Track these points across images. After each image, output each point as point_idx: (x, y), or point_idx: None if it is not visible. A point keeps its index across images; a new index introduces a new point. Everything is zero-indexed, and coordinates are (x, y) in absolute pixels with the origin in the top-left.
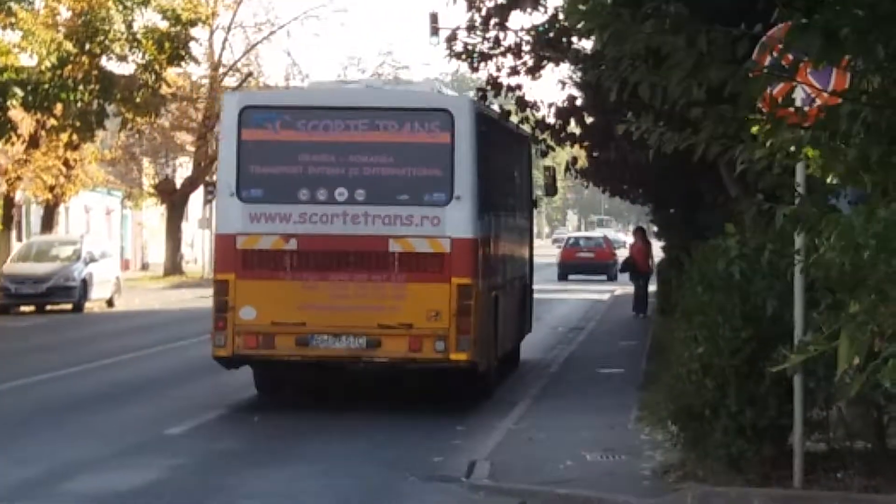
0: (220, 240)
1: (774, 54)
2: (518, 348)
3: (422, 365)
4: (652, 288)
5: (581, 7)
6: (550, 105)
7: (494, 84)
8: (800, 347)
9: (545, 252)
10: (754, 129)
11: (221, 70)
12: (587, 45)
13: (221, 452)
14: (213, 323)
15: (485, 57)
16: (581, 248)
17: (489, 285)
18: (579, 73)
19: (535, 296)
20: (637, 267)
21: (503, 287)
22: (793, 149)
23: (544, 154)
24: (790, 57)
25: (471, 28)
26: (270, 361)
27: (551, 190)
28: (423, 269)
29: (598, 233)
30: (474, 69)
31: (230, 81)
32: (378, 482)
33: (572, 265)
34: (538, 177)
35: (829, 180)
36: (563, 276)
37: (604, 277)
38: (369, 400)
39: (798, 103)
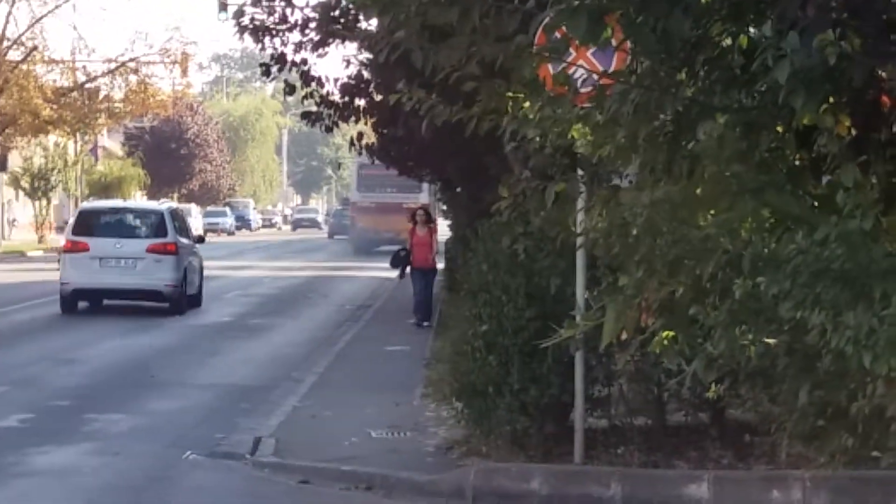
0: (353, 202)
1: (557, 35)
2: None
3: None
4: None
5: None
6: (336, 80)
7: (279, 59)
8: (571, 323)
9: None
10: (526, 107)
11: (6, 44)
12: (373, 22)
13: (2, 430)
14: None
15: (270, 31)
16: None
17: None
18: (365, 52)
19: (325, 273)
20: (414, 262)
21: None
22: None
23: (329, 130)
24: (565, 29)
25: (257, 2)
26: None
27: None
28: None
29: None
30: (261, 44)
31: (14, 55)
32: (159, 460)
33: None
34: None
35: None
36: None
37: None
38: (157, 381)
39: (578, 84)
